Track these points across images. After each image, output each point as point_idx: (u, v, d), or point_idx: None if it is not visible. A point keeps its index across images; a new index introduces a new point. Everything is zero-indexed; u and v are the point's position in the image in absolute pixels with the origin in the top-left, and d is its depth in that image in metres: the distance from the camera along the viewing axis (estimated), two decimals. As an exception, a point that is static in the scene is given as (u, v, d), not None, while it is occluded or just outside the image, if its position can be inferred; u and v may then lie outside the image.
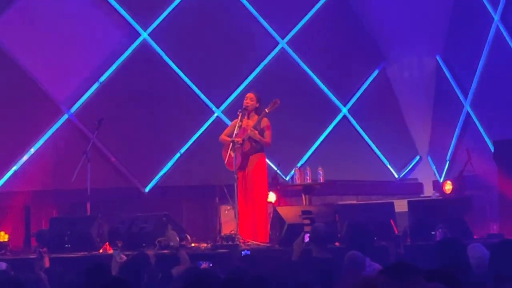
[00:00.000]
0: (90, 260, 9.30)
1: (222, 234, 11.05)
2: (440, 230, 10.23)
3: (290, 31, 15.03)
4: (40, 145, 13.47)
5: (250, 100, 11.46)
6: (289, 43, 15.03)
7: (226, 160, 11.20)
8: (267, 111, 11.26)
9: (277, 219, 10.88)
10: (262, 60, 14.80)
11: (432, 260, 6.67)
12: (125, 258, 9.05)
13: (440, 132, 15.26)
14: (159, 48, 14.26)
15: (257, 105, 11.43)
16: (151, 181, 14.00)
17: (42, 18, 13.65)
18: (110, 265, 7.34)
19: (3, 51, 13.36)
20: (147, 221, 10.93)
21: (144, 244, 10.43)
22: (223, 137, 11.57)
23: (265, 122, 11.34)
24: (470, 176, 13.64)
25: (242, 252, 9.99)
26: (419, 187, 15.38)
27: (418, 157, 15.69)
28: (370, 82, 15.54)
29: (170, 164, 14.15)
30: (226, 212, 11.81)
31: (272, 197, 12.26)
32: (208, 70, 14.41)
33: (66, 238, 10.79)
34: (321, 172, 12.14)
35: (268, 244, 10.81)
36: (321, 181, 12.16)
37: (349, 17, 15.46)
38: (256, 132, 11.21)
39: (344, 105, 15.32)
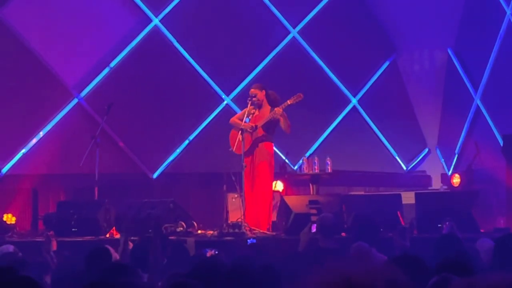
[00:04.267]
0: (96, 245, 9.30)
1: (229, 221, 11.05)
2: (447, 223, 10.19)
3: (301, 20, 15.00)
4: (49, 128, 13.50)
5: (254, 94, 11.22)
6: (300, 32, 15.00)
7: (235, 146, 11.09)
8: (289, 102, 11.04)
9: (284, 208, 10.86)
10: (273, 49, 14.78)
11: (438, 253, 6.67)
12: (131, 244, 9.06)
13: (449, 125, 15.23)
14: (170, 35, 14.26)
15: (264, 92, 11.30)
16: (159, 167, 14.03)
17: (54, 2, 13.66)
18: (111, 250, 7.33)
19: (14, 35, 13.38)
20: (154, 207, 10.94)
21: (150, 230, 10.42)
22: (235, 119, 11.46)
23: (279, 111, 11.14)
24: (479, 170, 13.61)
25: (248, 241, 9.99)
26: (427, 179, 15.35)
27: (426, 150, 15.67)
28: (381, 74, 15.51)
29: (178, 151, 14.17)
30: (234, 200, 11.80)
31: (279, 186, 12.25)
32: (219, 57, 14.41)
33: (73, 222, 10.83)
34: (329, 162, 12.12)
35: (274, 233, 10.80)
36: (329, 171, 12.13)
37: (360, 7, 15.41)
38: (281, 111, 11.00)
39: (354, 96, 15.30)
